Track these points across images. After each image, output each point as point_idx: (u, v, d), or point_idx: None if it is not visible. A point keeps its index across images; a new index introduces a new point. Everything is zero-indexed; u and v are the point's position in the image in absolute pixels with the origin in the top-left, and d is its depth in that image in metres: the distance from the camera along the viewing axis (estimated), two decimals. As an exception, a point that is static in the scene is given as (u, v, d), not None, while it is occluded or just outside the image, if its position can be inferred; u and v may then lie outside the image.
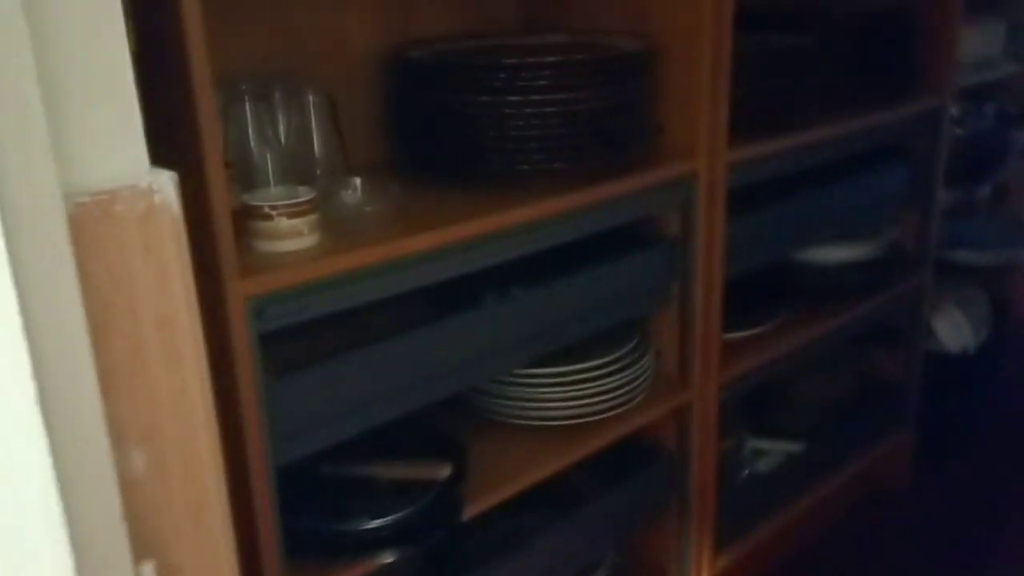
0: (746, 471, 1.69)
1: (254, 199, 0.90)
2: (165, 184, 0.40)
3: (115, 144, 0.38)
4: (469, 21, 1.36)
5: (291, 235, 0.91)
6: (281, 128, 1.00)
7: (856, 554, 1.77)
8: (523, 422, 1.23)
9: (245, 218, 0.90)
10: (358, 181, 1.00)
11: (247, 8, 1.10)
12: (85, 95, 0.38)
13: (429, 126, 1.14)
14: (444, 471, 1.06)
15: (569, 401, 1.23)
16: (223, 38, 1.07)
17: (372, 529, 1.00)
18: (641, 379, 1.29)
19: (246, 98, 0.96)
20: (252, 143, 0.96)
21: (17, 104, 0.33)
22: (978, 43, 1.92)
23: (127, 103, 0.39)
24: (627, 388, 1.27)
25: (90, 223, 0.36)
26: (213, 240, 0.81)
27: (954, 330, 2.11)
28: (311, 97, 1.01)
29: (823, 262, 1.69)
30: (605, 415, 1.25)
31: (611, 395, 1.26)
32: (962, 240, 2.14)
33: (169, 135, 0.83)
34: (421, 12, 1.29)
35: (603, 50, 1.21)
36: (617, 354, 1.26)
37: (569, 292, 1.19)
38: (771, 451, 1.75)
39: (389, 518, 1.00)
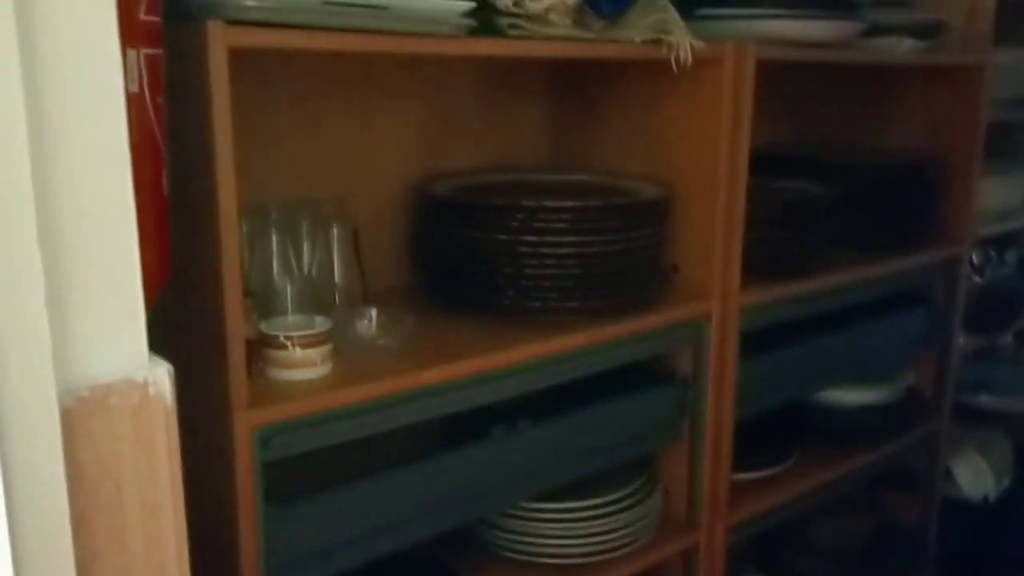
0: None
1: (271, 328, 0.94)
2: (161, 378, 0.43)
3: (116, 338, 0.41)
4: (499, 155, 1.42)
5: (304, 365, 0.94)
6: (305, 258, 1.04)
7: None
8: (526, 558, 1.22)
9: (261, 345, 0.93)
10: (374, 312, 1.04)
11: (282, 138, 1.16)
12: (90, 288, 0.41)
13: (448, 259, 1.18)
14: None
15: (574, 539, 1.22)
16: (256, 163, 1.14)
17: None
18: (648, 518, 1.28)
19: (273, 229, 1.00)
20: (275, 271, 1.00)
21: (20, 297, 0.35)
22: (999, 193, 1.94)
23: (132, 296, 0.42)
24: (633, 527, 1.26)
25: (84, 416, 0.39)
26: (226, 370, 0.84)
27: (975, 476, 2.07)
28: (336, 230, 1.05)
29: (839, 404, 1.68)
30: (610, 555, 1.24)
31: (617, 534, 1.24)
32: (985, 384, 2.12)
33: (192, 263, 0.87)
34: (452, 146, 1.35)
35: (620, 195, 1.25)
36: (624, 492, 1.25)
37: (577, 428, 1.19)
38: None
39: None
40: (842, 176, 1.57)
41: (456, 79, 1.33)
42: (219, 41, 0.78)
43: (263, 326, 0.94)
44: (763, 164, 1.39)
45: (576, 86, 1.41)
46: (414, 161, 1.30)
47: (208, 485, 0.90)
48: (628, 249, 1.17)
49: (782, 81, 1.73)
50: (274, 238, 1.00)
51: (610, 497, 1.24)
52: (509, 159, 1.42)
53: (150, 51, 0.70)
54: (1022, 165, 2.07)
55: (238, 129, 1.09)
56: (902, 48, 1.53)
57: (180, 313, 0.90)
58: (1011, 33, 1.84)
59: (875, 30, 1.48)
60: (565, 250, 1.13)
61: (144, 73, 0.69)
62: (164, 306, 0.83)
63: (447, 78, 1.32)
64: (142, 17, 0.68)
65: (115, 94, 0.44)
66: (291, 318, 0.98)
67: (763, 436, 1.53)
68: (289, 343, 0.92)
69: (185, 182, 0.83)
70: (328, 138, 1.21)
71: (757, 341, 1.38)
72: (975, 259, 2.00)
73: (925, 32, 1.56)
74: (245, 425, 0.86)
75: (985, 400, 2.10)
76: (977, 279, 1.94)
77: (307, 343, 0.93)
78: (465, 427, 1.11)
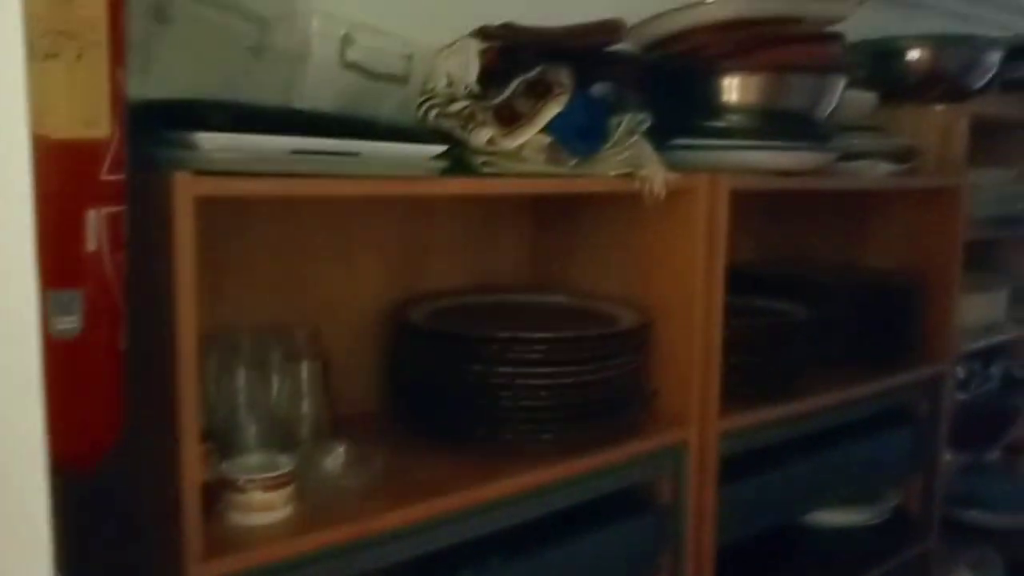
0: None
1: (231, 470, 0.91)
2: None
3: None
4: (479, 276, 1.42)
5: (264, 508, 0.91)
6: (273, 392, 1.03)
7: None
8: None
9: (221, 487, 0.91)
10: (342, 449, 1.01)
11: (257, 261, 1.16)
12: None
13: (421, 388, 1.17)
14: None
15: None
16: (229, 287, 1.14)
17: None
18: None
19: (241, 364, 0.99)
20: (241, 407, 0.98)
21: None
22: (983, 309, 1.95)
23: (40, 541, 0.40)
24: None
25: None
26: (180, 522, 0.81)
27: (968, 598, 2.02)
28: (306, 363, 1.04)
29: (826, 526, 1.65)
30: None
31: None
32: (975, 499, 2.09)
33: (148, 407, 0.85)
34: (432, 268, 1.35)
35: (597, 320, 1.24)
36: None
37: (552, 564, 1.16)
38: None
39: None
40: (823, 295, 1.58)
41: (435, 206, 1.34)
42: (186, 191, 0.78)
43: (223, 467, 0.92)
44: (743, 283, 1.39)
45: (555, 213, 1.43)
46: (392, 284, 1.30)
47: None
48: (604, 379, 1.16)
49: (761, 201, 1.75)
50: (242, 373, 0.98)
51: (586, 635, 1.20)
52: (489, 279, 1.42)
53: (112, 209, 0.70)
54: (1002, 279, 2.08)
55: (211, 252, 1.11)
56: (877, 172, 1.56)
57: (134, 460, 0.88)
58: (985, 153, 1.88)
59: (850, 155, 1.51)
60: (539, 381, 1.12)
61: (104, 232, 0.69)
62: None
63: (426, 205, 1.32)
64: (104, 178, 0.69)
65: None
66: (254, 458, 0.96)
67: (749, 561, 1.50)
68: (249, 486, 0.90)
69: (145, 329, 0.82)
70: (304, 262, 1.21)
71: (739, 465, 1.36)
72: (960, 373, 1.99)
73: (899, 156, 1.59)
74: (200, 577, 0.83)
75: (975, 515, 2.06)
76: (962, 395, 1.93)
77: (268, 486, 0.91)
78: (436, 566, 1.08)
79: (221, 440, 0.97)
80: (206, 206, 0.79)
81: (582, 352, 1.14)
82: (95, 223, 0.68)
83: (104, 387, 0.69)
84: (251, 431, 0.99)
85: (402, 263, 1.31)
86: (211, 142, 0.77)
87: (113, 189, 0.70)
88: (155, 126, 0.80)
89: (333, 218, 1.23)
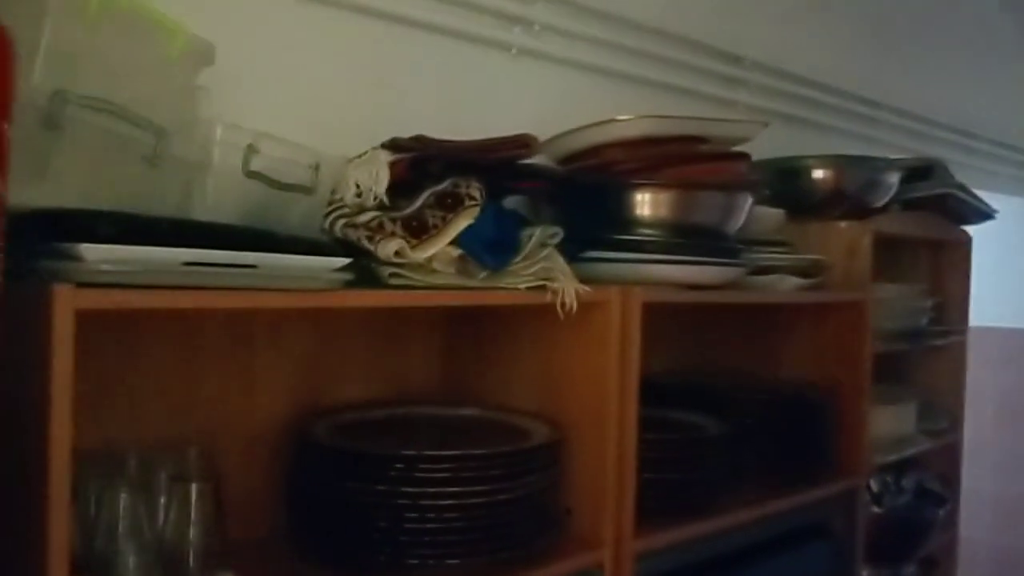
0: None
1: (107, 609, 0.84)
2: None
3: None
4: (387, 388, 1.38)
5: (140, 648, 0.83)
6: (159, 516, 0.96)
7: None
8: None
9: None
10: (230, 577, 0.95)
11: (147, 373, 1.10)
12: None
13: (320, 509, 1.11)
14: None
15: None
16: (117, 399, 1.07)
17: None
18: None
19: (124, 487, 0.92)
20: (121, 534, 0.91)
21: None
22: (893, 422, 1.98)
23: None
24: None
25: None
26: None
27: None
28: (195, 485, 0.98)
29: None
30: None
31: None
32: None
33: (15, 532, 0.78)
34: (339, 378, 1.31)
35: (509, 435, 1.21)
36: None
37: None
38: None
39: None
40: (736, 408, 1.57)
41: (342, 318, 1.30)
42: (67, 305, 0.74)
43: (98, 603, 0.84)
44: (656, 394, 1.38)
45: (467, 324, 1.41)
46: (293, 398, 1.25)
47: None
48: (515, 498, 1.12)
49: (674, 313, 1.77)
50: (124, 496, 0.92)
51: None
52: (399, 391, 1.38)
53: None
54: (911, 392, 2.13)
55: (96, 362, 1.05)
56: (785, 286, 1.59)
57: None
58: (888, 269, 1.94)
59: (759, 269, 1.54)
60: (447, 501, 1.07)
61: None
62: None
63: (332, 317, 1.29)
64: (-28, 286, 0.64)
65: None
66: (132, 589, 0.89)
67: None
68: (125, 624, 0.83)
69: (15, 445, 0.76)
70: (198, 374, 1.15)
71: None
72: (874, 486, 2.00)
73: (807, 271, 1.63)
74: None
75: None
76: (876, 509, 1.94)
77: (146, 623, 0.84)
78: None
79: (98, 571, 0.89)
80: (93, 318, 0.75)
81: (493, 469, 1.10)
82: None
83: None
84: (132, 561, 0.92)
85: (305, 375, 1.26)
86: (96, 253, 0.74)
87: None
88: (39, 236, 0.76)
89: (230, 329, 1.18)
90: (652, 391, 1.32)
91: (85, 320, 0.75)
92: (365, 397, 1.34)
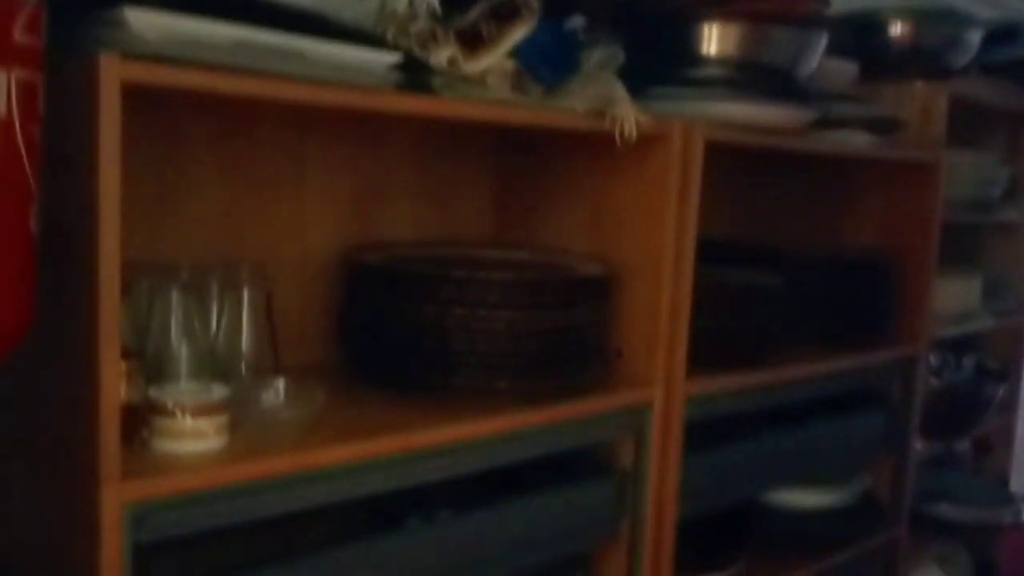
0: None
1: (159, 393, 0.85)
2: None
3: None
4: (438, 229, 1.36)
5: (194, 436, 0.84)
6: (211, 323, 0.96)
7: None
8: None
9: (147, 412, 0.84)
10: (282, 383, 0.95)
11: (202, 196, 1.10)
12: None
13: (371, 332, 1.11)
14: None
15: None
16: (171, 220, 1.07)
17: None
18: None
19: (175, 288, 0.92)
20: (173, 334, 0.92)
21: None
22: (957, 297, 1.92)
23: None
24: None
25: None
26: (95, 438, 0.75)
27: (934, 591, 1.97)
28: (247, 293, 0.98)
29: (791, 506, 1.60)
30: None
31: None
32: (944, 494, 2.05)
33: (63, 312, 0.79)
34: (388, 217, 1.29)
35: (558, 271, 1.19)
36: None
37: (504, 520, 1.10)
38: None
39: None
40: (797, 268, 1.53)
41: (394, 144, 1.27)
42: (112, 75, 0.71)
43: (151, 391, 0.85)
44: (713, 253, 1.34)
45: (521, 158, 1.37)
46: (344, 230, 1.23)
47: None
48: (564, 328, 1.10)
49: (736, 172, 1.71)
50: (174, 296, 0.92)
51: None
52: (449, 233, 1.36)
53: (25, 74, 0.63)
54: (980, 269, 2.05)
55: (148, 181, 1.04)
56: (856, 142, 1.52)
57: (46, 367, 0.82)
58: (962, 136, 1.85)
59: (829, 122, 1.46)
60: (496, 325, 1.06)
61: (15, 96, 0.62)
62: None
63: (384, 141, 1.26)
64: (17, 37, 0.62)
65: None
66: (186, 385, 0.89)
67: (709, 538, 1.44)
68: (178, 410, 0.83)
69: (62, 224, 0.75)
70: (252, 200, 1.14)
71: (703, 437, 1.30)
72: (933, 361, 1.96)
73: (880, 127, 1.55)
74: (115, 500, 0.76)
75: (945, 510, 2.02)
76: (935, 382, 1.89)
77: (199, 411, 0.84)
78: (380, 514, 1.01)
79: (151, 368, 0.90)
80: (146, 126, 0.73)
81: (543, 296, 1.08)
82: (5, 85, 0.61)
83: (10, 269, 0.62)
84: (184, 361, 0.92)
85: (356, 211, 1.25)
86: (142, 20, 0.71)
87: (28, 52, 0.64)
88: (83, 2, 0.74)
89: (285, 156, 1.16)
90: (711, 250, 1.28)
91: (132, 99, 0.73)
92: (416, 237, 1.32)
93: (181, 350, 0.91)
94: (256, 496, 0.85)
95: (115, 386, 0.75)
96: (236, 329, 0.98)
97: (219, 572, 0.86)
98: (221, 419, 0.86)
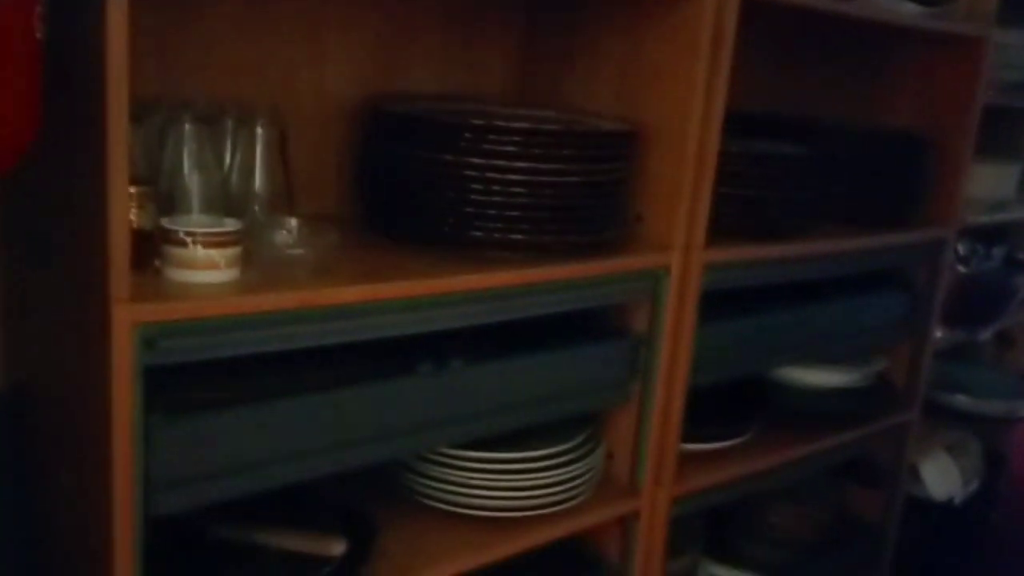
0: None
1: (172, 222, 0.84)
2: None
3: None
4: (460, 84, 1.32)
5: (206, 266, 0.84)
6: (226, 156, 0.95)
7: None
8: (449, 508, 1.13)
9: (159, 240, 0.84)
10: (295, 222, 0.95)
11: (222, 35, 1.07)
12: None
13: (386, 179, 1.09)
14: (339, 549, 0.97)
15: (503, 491, 1.14)
16: (189, 57, 1.05)
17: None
18: (585, 478, 1.19)
19: (188, 121, 0.90)
20: (186, 167, 0.91)
21: None
22: (991, 183, 1.87)
23: None
24: (569, 486, 1.17)
25: None
26: (106, 258, 0.75)
27: (941, 477, 1.99)
28: (261, 129, 0.96)
29: (804, 384, 1.60)
30: (543, 511, 1.16)
31: (551, 491, 1.16)
32: (961, 385, 2.05)
33: (71, 133, 0.78)
34: (410, 67, 1.26)
35: (579, 126, 1.16)
36: (562, 447, 1.17)
37: (517, 374, 1.10)
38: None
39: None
40: (826, 141, 1.49)
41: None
42: None
43: (163, 221, 0.85)
44: (742, 124, 1.30)
45: (548, 16, 1.32)
46: (364, 79, 1.20)
47: (92, 396, 0.81)
48: (584, 183, 1.08)
49: (774, 42, 1.65)
50: (187, 128, 0.90)
51: (547, 451, 1.15)
52: (471, 89, 1.33)
53: None
54: (1019, 158, 1.99)
55: (164, 8, 1.01)
56: (902, 10, 1.45)
57: (62, 188, 0.81)
58: (1012, 17, 1.76)
59: (873, -12, 1.39)
60: (514, 176, 1.04)
61: None
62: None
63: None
64: None
65: None
66: (198, 217, 0.89)
67: (720, 409, 1.45)
68: (190, 240, 0.83)
69: (72, 40, 0.73)
70: (272, 41, 1.11)
71: (720, 308, 1.29)
72: (961, 250, 1.92)
73: (927, -2, 1.47)
74: (125, 320, 0.77)
75: (960, 400, 2.02)
76: (962, 269, 1.86)
77: (211, 242, 0.84)
78: (393, 360, 1.02)
79: (163, 202, 0.89)
80: None
81: (563, 149, 1.06)
82: None
83: (17, 76, 0.60)
84: (196, 195, 0.92)
85: (375, 55, 1.21)
86: None
87: None
88: None
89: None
90: (739, 120, 1.24)
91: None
92: (438, 90, 1.29)
93: (193, 184, 0.90)
94: (266, 330, 0.86)
95: (124, 203, 0.75)
96: (249, 167, 0.96)
97: (227, 404, 0.87)
98: (234, 252, 0.86)
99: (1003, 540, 2.27)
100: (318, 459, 0.95)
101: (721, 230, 1.25)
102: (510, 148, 1.03)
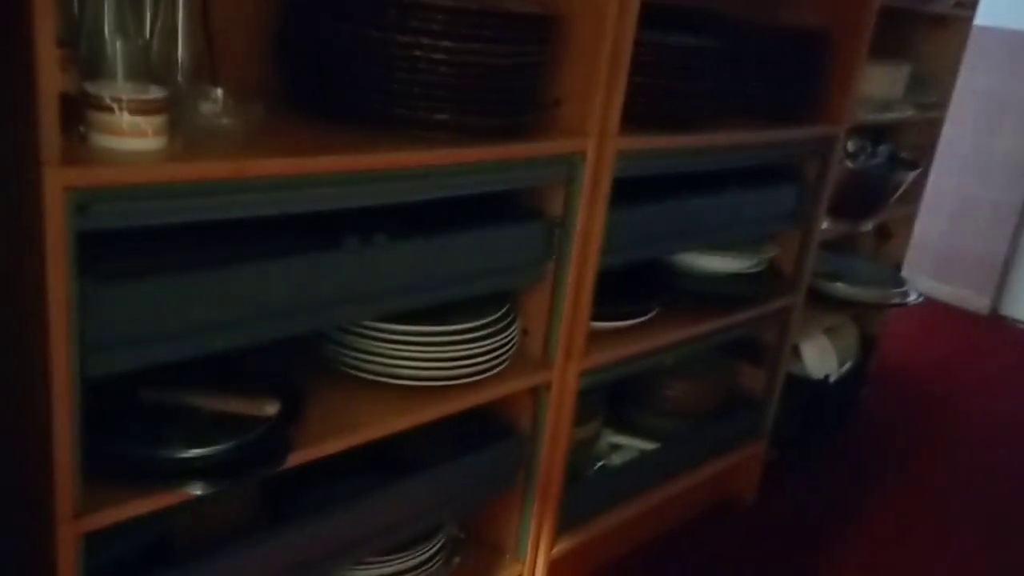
0: (600, 463, 1.69)
1: (96, 87, 0.83)
2: None
3: None
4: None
5: (133, 133, 0.84)
6: (146, 22, 0.93)
7: (695, 556, 1.79)
8: (371, 377, 1.18)
9: (84, 107, 0.83)
10: (220, 92, 0.94)
11: None
12: None
13: (312, 54, 1.09)
14: (273, 409, 1.01)
15: (423, 362, 1.19)
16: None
17: (186, 459, 0.94)
18: (502, 351, 1.26)
19: (108, -17, 0.88)
20: (107, 32, 0.88)
21: None
22: (882, 83, 1.97)
23: None
24: (486, 358, 1.24)
25: None
26: (35, 123, 0.74)
27: (820, 356, 2.16)
28: (183, -4, 0.94)
29: (702, 269, 1.70)
30: (461, 381, 1.22)
31: (468, 362, 1.22)
32: (842, 274, 2.20)
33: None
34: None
35: (503, 7, 1.17)
36: (480, 322, 1.23)
37: (439, 250, 1.14)
38: (627, 447, 1.75)
39: (206, 449, 0.94)
40: (734, 35, 1.54)
41: None
42: None
43: (88, 85, 0.84)
44: (658, 18, 1.34)
45: None
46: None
47: (27, 262, 0.82)
48: (506, 66, 1.11)
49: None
50: (108, -8, 0.88)
51: (466, 325, 1.21)
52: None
53: None
54: (909, 60, 2.09)
55: None
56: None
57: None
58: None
59: None
60: (439, 55, 1.05)
61: None
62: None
63: None
64: None
65: None
66: (122, 83, 0.88)
67: (624, 291, 1.53)
68: (116, 106, 0.83)
69: None
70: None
71: (627, 196, 1.35)
72: (850, 147, 2.03)
73: None
74: (57, 184, 0.77)
75: (840, 288, 2.17)
76: (849, 164, 1.98)
77: (137, 109, 0.84)
78: (320, 234, 1.04)
79: (85, 67, 0.88)
80: None
81: (486, 30, 1.07)
82: None
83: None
84: (119, 61, 0.90)
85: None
86: None
87: None
88: None
89: None
90: (654, 15, 1.27)
91: None
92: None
93: (115, 49, 0.88)
94: (196, 199, 0.87)
95: (52, 64, 0.73)
96: (171, 34, 0.95)
97: (156, 272, 0.88)
98: (159, 119, 0.86)
99: (871, 414, 2.49)
100: (245, 328, 0.97)
101: (634, 119, 1.30)
102: (435, 26, 1.04)
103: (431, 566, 1.35)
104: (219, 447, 0.95)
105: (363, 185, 1.01)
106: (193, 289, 0.91)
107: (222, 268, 0.93)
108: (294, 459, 1.04)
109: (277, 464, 1.00)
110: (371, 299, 1.09)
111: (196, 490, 0.92)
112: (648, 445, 1.74)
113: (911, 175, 2.03)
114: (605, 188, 1.30)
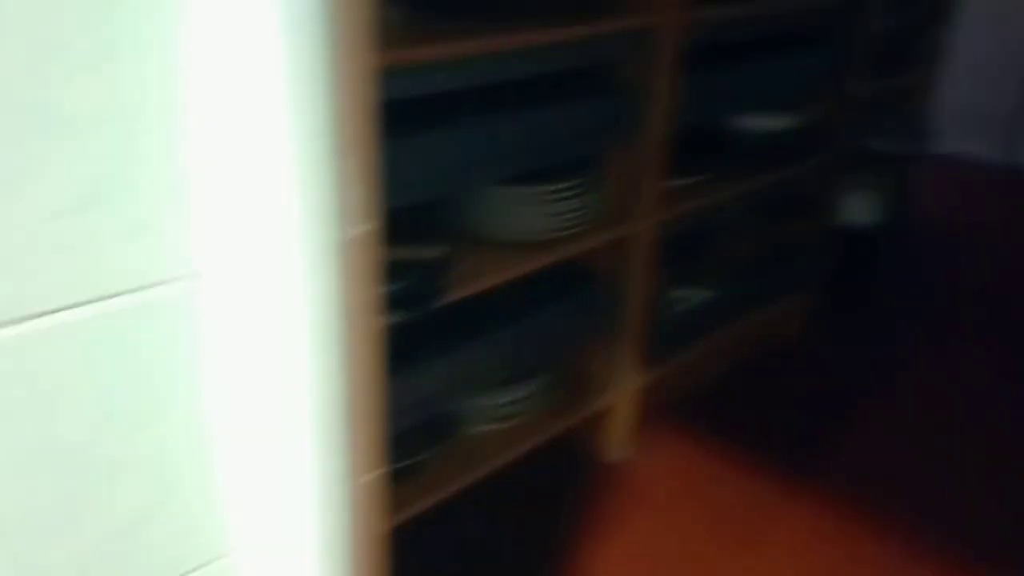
0: (668, 310, 1.91)
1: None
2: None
3: None
4: None
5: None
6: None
7: (754, 386, 2.03)
8: (489, 234, 1.39)
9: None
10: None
11: None
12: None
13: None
14: (434, 253, 1.22)
15: (530, 219, 1.40)
16: None
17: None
18: (594, 207, 1.46)
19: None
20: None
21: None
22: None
23: None
24: (580, 213, 1.44)
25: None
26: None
27: (862, 207, 2.35)
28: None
29: (750, 129, 1.88)
30: (565, 233, 1.43)
31: (569, 215, 1.42)
32: (879, 130, 2.35)
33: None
34: None
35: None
36: (578, 181, 1.42)
37: (543, 121, 1.32)
38: (689, 298, 1.96)
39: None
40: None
41: None
42: None
43: None
44: None
45: None
46: None
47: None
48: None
49: None
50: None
51: (569, 183, 1.40)
52: None
53: None
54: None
55: None
56: None
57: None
58: None
59: None
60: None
61: None
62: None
63: None
64: None
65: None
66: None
67: (684, 154, 1.72)
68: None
69: None
70: None
71: (691, 64, 1.53)
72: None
73: None
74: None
75: (877, 143, 2.33)
76: (887, 23, 2.10)
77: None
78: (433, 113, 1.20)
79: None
80: None
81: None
82: None
83: None
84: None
85: None
86: None
87: None
88: None
89: None
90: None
91: None
92: None
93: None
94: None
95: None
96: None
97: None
98: None
99: (907, 260, 2.68)
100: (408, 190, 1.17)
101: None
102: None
103: (536, 399, 1.58)
104: (396, 285, 1.15)
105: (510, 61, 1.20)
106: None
107: (421, 135, 1.13)
108: (448, 296, 1.25)
109: (441, 297, 1.21)
110: (498, 163, 1.28)
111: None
112: (705, 294, 1.94)
113: (940, 33, 2.16)
114: (675, 56, 1.47)
